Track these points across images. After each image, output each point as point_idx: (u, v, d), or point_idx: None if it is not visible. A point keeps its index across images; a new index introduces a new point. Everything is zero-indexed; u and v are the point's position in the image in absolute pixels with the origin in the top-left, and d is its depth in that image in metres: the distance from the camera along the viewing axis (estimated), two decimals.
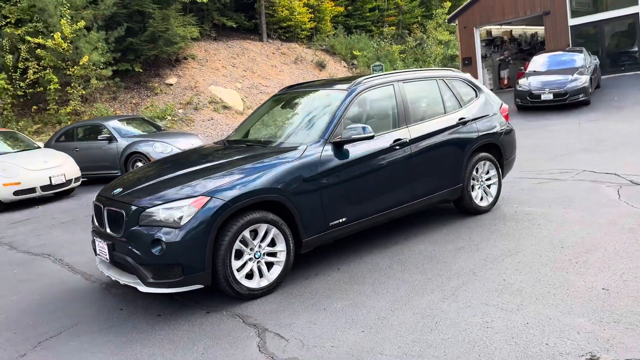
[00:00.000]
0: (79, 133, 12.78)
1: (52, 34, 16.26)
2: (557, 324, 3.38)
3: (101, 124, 12.38)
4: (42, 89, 16.88)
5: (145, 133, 12.51)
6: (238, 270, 4.13)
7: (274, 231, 4.28)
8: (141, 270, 3.97)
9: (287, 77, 23.67)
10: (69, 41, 16.72)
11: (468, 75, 6.31)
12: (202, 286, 4.03)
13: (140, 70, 19.87)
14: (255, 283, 4.22)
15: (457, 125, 5.69)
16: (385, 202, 5.05)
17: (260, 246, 4.25)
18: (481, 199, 6.05)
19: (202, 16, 23.93)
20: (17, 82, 16.55)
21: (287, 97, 5.81)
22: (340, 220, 4.70)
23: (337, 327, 3.61)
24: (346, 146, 4.78)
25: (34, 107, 17.19)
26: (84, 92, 17.18)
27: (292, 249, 4.41)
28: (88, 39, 17.08)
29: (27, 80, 16.62)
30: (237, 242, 4.08)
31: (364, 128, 4.71)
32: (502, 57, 24.70)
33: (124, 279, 4.16)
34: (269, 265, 4.35)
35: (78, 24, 16.78)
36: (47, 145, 13.19)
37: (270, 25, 27.07)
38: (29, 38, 16.23)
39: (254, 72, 22.96)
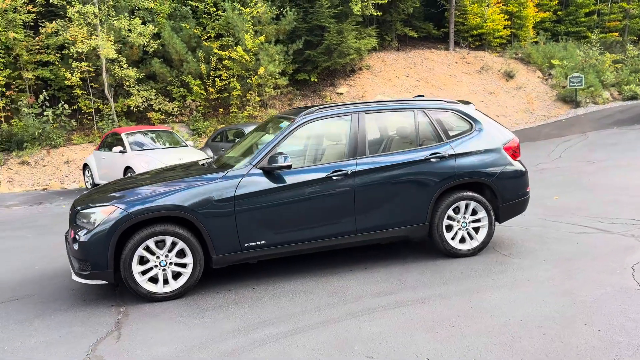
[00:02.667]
0: (227, 135, 14.69)
1: (235, 48, 18.80)
2: None
3: (241, 129, 14.04)
4: (227, 94, 19.63)
5: None
6: (143, 273, 4.77)
7: (180, 244, 4.80)
8: (71, 261, 4.91)
9: (464, 87, 22.96)
10: (251, 53, 19.11)
11: (465, 107, 5.79)
12: (106, 282, 4.78)
13: (316, 80, 21.52)
14: (157, 288, 4.80)
15: (425, 160, 5.36)
16: (317, 231, 5.12)
17: (167, 256, 4.81)
18: (462, 241, 5.56)
19: (387, 27, 24.65)
20: (209, 87, 19.55)
21: (269, 122, 6.16)
22: (258, 243, 4.97)
23: (164, 342, 3.95)
24: (281, 173, 5.02)
25: (220, 109, 20.09)
26: (258, 99, 19.42)
27: (200, 262, 4.86)
28: (267, 51, 19.22)
29: (217, 87, 19.51)
30: (141, 249, 4.71)
31: (285, 157, 4.90)
32: None
33: (71, 267, 5.15)
34: (178, 274, 4.89)
35: (259, 38, 19.04)
36: (206, 144, 15.48)
37: (461, 34, 26.49)
38: (216, 50, 19.04)
39: (428, 82, 22.83)
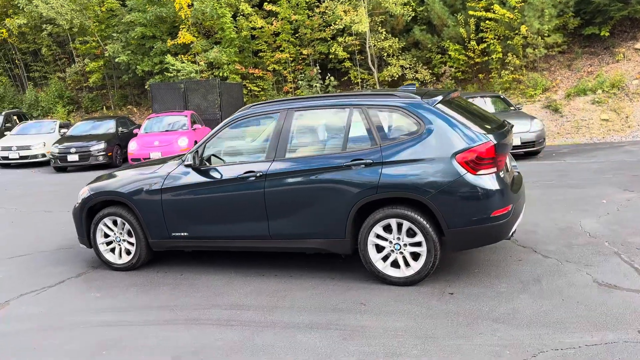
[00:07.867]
0: None
1: (493, 6, 17.13)
2: None
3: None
4: (487, 58, 18.17)
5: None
6: (107, 244, 5.68)
7: (127, 225, 5.51)
8: None
9: None
10: (516, 10, 17.09)
11: (419, 102, 4.39)
12: (88, 247, 5.86)
13: (607, 34, 17.65)
14: (114, 259, 5.63)
15: (344, 167, 4.49)
16: (233, 230, 5.03)
17: (121, 233, 5.60)
18: (395, 265, 4.49)
19: None
20: (469, 52, 18.47)
21: None
22: (182, 234, 5.25)
23: (51, 305, 4.78)
24: (207, 170, 5.13)
25: (481, 75, 18.75)
26: (518, 62, 17.31)
27: (141, 244, 5.46)
28: (534, 6, 16.82)
29: (477, 51, 18.27)
30: (101, 225, 5.61)
31: (192, 157, 5.03)
32: None
33: None
34: (129, 250, 5.63)
35: None
36: None
37: None
38: (471, 12, 17.70)
39: None
